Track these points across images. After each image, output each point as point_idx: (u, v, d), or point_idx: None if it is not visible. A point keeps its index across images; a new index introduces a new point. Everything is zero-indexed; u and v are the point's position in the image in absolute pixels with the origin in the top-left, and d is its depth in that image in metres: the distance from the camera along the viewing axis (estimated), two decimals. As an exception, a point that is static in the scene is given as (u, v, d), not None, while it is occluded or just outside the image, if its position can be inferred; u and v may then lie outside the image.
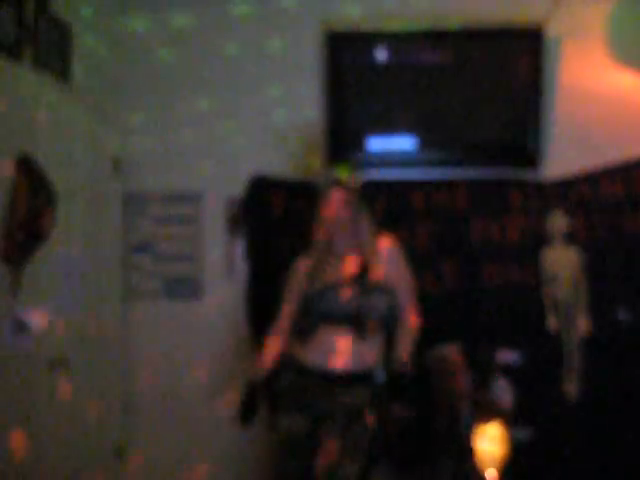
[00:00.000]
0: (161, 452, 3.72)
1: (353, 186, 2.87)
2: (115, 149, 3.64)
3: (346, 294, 2.78)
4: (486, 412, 3.20)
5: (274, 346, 2.89)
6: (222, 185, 3.73)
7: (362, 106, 3.63)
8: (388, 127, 3.64)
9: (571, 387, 3.52)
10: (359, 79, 3.62)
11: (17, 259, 2.67)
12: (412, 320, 2.93)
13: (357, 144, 3.61)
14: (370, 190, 3.62)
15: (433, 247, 3.64)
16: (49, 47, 2.98)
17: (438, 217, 3.65)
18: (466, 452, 3.11)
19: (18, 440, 2.70)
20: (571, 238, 3.57)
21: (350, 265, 2.84)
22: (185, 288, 3.76)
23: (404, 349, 2.88)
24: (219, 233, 3.74)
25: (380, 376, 2.81)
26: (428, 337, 3.35)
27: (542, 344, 3.54)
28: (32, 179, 2.74)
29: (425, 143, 3.62)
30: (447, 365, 3.29)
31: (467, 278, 3.61)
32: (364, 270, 2.81)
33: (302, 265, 2.95)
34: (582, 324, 3.53)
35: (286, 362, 2.85)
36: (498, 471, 3.06)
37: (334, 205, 2.85)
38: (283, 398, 2.82)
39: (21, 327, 2.70)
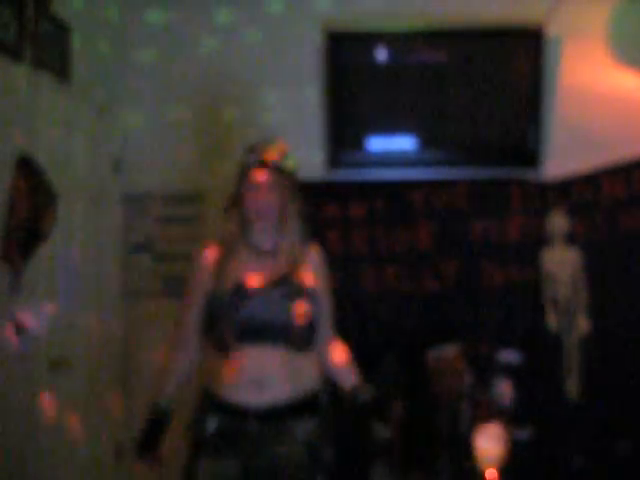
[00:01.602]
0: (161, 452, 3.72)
1: (284, 170, 2.33)
2: (115, 149, 3.64)
3: (272, 299, 2.27)
4: (486, 412, 3.20)
5: (178, 365, 2.37)
6: (222, 185, 3.72)
7: (362, 106, 3.63)
8: (388, 127, 3.64)
9: (571, 387, 3.52)
10: (359, 79, 3.62)
11: (17, 259, 2.67)
12: (333, 337, 2.45)
13: (357, 144, 3.61)
14: (369, 189, 3.66)
15: (433, 247, 3.64)
16: (49, 47, 2.97)
17: (438, 217, 3.64)
18: (466, 452, 3.12)
19: (18, 440, 2.70)
20: (571, 238, 3.57)
21: (273, 264, 2.33)
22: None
23: (354, 373, 2.42)
24: (219, 233, 3.73)
25: (324, 398, 2.34)
26: (428, 337, 3.37)
27: (542, 344, 3.54)
28: (32, 179, 2.74)
29: (425, 143, 3.62)
30: (447, 365, 3.29)
31: (467, 278, 3.61)
32: (292, 272, 2.31)
33: (208, 257, 2.41)
34: (582, 324, 3.53)
35: (207, 401, 2.31)
36: (498, 471, 3.06)
37: (257, 188, 2.30)
38: (209, 444, 2.28)
39: (21, 327, 2.70)
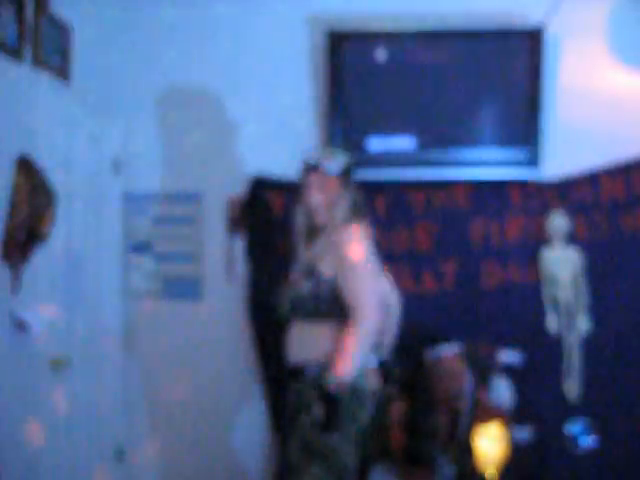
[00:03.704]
0: (161, 452, 3.73)
1: (327, 172, 2.79)
2: (115, 149, 3.64)
3: (297, 280, 2.81)
4: (486, 412, 3.20)
5: None
6: (222, 185, 3.73)
7: (362, 106, 3.63)
8: (388, 127, 3.64)
9: (571, 387, 3.52)
10: (359, 79, 3.62)
11: (17, 259, 2.67)
12: (350, 324, 2.68)
13: (357, 144, 3.61)
14: (369, 189, 3.65)
15: (433, 247, 3.64)
16: (49, 47, 2.98)
17: (438, 217, 3.64)
18: (466, 452, 3.12)
19: (19, 439, 2.70)
20: (571, 238, 3.57)
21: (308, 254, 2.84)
22: (185, 288, 3.76)
23: (336, 361, 2.64)
24: (219, 233, 3.74)
25: (313, 370, 2.70)
26: (428, 337, 3.36)
27: (542, 344, 3.54)
28: (32, 179, 2.74)
29: (425, 143, 3.62)
30: (447, 365, 3.29)
31: (467, 278, 3.61)
32: (315, 257, 2.78)
33: None
34: (582, 324, 3.53)
35: None
36: (498, 471, 3.06)
37: (308, 188, 2.81)
38: None
39: (21, 327, 2.70)
